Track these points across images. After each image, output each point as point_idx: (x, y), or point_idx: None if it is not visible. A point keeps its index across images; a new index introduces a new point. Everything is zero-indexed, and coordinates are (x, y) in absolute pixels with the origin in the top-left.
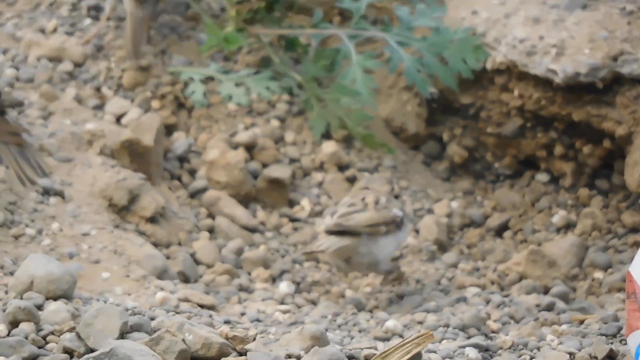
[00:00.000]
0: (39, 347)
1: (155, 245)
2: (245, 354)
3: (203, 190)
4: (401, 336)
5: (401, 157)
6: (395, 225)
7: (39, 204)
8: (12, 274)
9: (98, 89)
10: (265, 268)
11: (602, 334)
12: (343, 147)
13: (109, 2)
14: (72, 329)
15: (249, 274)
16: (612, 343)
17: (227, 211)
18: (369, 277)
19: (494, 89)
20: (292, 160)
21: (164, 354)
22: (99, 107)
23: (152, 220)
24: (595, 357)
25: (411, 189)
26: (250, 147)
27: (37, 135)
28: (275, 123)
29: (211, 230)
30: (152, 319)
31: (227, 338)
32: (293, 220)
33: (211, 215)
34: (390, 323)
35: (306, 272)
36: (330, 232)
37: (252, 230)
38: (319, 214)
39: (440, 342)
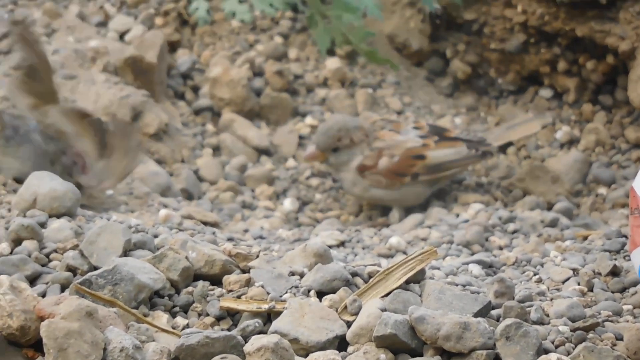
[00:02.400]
0: (42, 265)
1: (159, 162)
2: (249, 271)
3: (207, 108)
4: (405, 253)
5: (404, 73)
6: None
7: None
8: (15, 191)
9: (101, 6)
10: (269, 185)
11: (605, 250)
12: (347, 64)
13: None
14: (75, 247)
15: (253, 190)
16: (615, 259)
17: (240, 133)
18: None
19: (498, 4)
20: (296, 77)
21: (167, 271)
22: (103, 24)
23: (155, 137)
24: (599, 273)
25: (415, 105)
26: (253, 64)
27: None
28: (278, 40)
29: (215, 148)
30: (156, 236)
31: (230, 255)
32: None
33: (216, 132)
34: (394, 240)
35: (310, 190)
36: None
37: (264, 151)
38: None
39: (443, 258)
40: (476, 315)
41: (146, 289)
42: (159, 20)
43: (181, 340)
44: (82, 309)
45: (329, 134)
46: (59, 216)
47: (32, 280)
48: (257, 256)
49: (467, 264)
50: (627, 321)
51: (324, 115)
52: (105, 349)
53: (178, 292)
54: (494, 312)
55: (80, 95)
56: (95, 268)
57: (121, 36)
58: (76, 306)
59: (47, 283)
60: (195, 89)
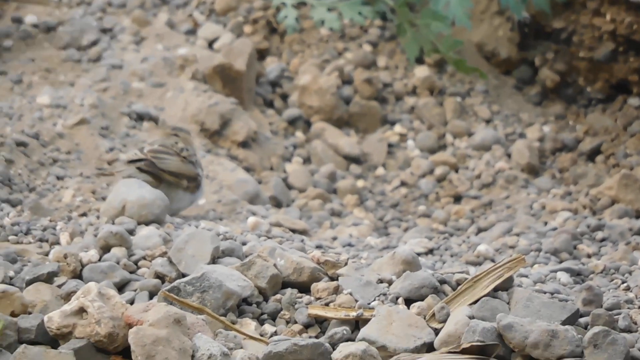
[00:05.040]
0: (131, 272)
1: (247, 169)
2: (337, 279)
3: (298, 117)
4: (493, 260)
5: (493, 81)
6: (196, 184)
7: (131, 129)
8: (104, 199)
9: (190, 14)
10: (358, 193)
11: None
12: (435, 72)
13: None
14: (163, 254)
15: (342, 198)
16: None
17: (331, 141)
18: None
19: (586, 13)
20: (385, 85)
21: (255, 278)
22: (191, 32)
23: (244, 145)
24: None
25: (503, 114)
26: (342, 72)
27: (128, 61)
28: (367, 48)
29: (305, 156)
30: (244, 243)
31: (318, 263)
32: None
33: (306, 141)
34: (482, 247)
35: (397, 196)
36: (134, 161)
37: (354, 159)
38: (413, 138)
39: (532, 266)
40: (564, 323)
41: (234, 297)
42: (247, 28)
43: (269, 347)
44: (170, 316)
45: None
46: (147, 223)
47: (121, 287)
48: (346, 264)
49: (555, 271)
50: None
51: (412, 123)
52: (193, 356)
53: (266, 299)
54: (581, 320)
55: (168, 103)
56: (184, 275)
57: (210, 44)
58: (164, 313)
59: (135, 290)
60: (284, 97)
